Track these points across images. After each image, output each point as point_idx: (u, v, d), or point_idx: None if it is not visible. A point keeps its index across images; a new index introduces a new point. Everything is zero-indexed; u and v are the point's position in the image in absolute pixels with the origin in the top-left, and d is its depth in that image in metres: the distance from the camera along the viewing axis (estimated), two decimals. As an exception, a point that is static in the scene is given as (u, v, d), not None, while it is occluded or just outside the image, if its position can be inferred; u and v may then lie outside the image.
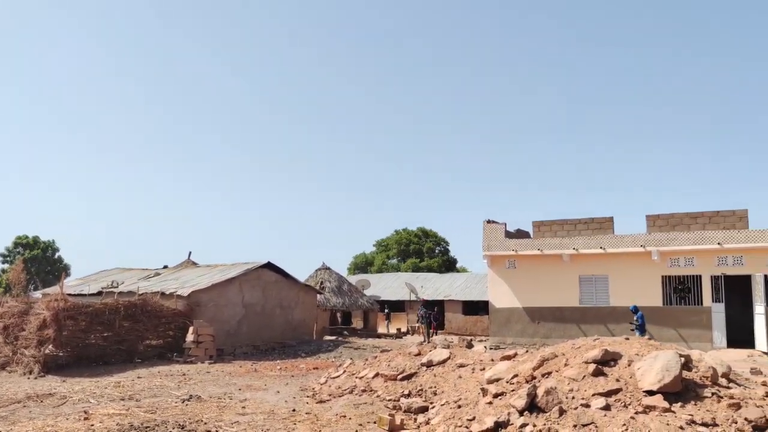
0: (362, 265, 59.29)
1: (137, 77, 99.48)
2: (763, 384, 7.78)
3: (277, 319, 22.35)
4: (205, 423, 8.27)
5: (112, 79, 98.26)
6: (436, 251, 59.36)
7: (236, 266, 22.41)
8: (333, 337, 27.11)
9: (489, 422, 6.69)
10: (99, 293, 21.10)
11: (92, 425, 8.16)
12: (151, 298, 18.63)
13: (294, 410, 9.24)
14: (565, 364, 7.64)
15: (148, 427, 7.99)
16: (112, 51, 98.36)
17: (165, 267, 26.85)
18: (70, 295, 19.07)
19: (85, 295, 21.11)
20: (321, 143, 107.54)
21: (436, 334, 28.57)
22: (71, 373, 14.61)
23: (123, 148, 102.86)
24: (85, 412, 9.04)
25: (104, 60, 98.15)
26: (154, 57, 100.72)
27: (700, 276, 20.63)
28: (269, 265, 22.44)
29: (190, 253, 28.82)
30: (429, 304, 29.24)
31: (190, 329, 17.70)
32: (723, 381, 7.00)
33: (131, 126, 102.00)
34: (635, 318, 18.72)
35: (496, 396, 7.44)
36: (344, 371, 12.10)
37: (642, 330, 18.32)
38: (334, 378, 11.81)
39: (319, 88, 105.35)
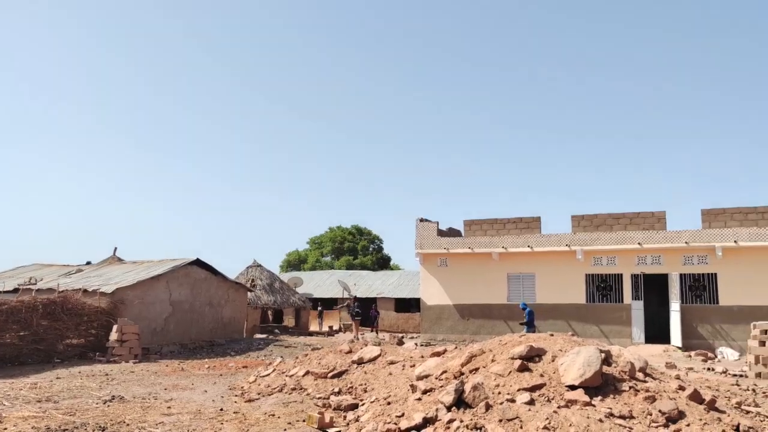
0: (295, 262, 58.80)
1: (60, 69, 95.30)
2: (677, 377, 8.20)
3: (206, 317, 21.88)
4: (128, 424, 7.99)
5: (28, 68, 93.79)
6: (370, 249, 59.55)
7: (164, 263, 21.80)
8: (264, 336, 26.79)
9: (417, 418, 6.75)
10: (15, 290, 20.12)
11: (5, 429, 7.75)
12: (73, 296, 17.87)
13: (221, 409, 9.06)
14: (492, 360, 7.79)
15: (66, 429, 7.65)
16: (35, 36, 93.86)
17: (88, 263, 25.84)
18: (-17, 292, 18.12)
19: (-1, 292, 20.10)
20: (254, 139, 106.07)
21: (376, 332, 28.69)
22: (-17, 374, 13.84)
23: (42, 138, 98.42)
24: (-2, 416, 8.58)
25: (27, 46, 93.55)
26: (66, 54, 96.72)
27: (622, 274, 21.54)
28: (198, 262, 21.94)
29: (115, 249, 27.86)
30: (360, 302, 29.31)
31: (114, 327, 17.09)
32: (640, 375, 7.30)
33: (50, 118, 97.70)
34: (525, 314, 19.35)
35: (425, 392, 7.52)
36: (274, 369, 11.97)
37: (529, 326, 18.91)
38: (263, 376, 11.66)
39: (254, 83, 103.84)
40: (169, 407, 9.33)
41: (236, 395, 10.59)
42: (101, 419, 8.29)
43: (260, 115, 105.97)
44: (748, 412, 7.84)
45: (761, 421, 7.39)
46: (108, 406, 9.51)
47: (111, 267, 23.76)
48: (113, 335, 16.96)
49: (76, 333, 17.43)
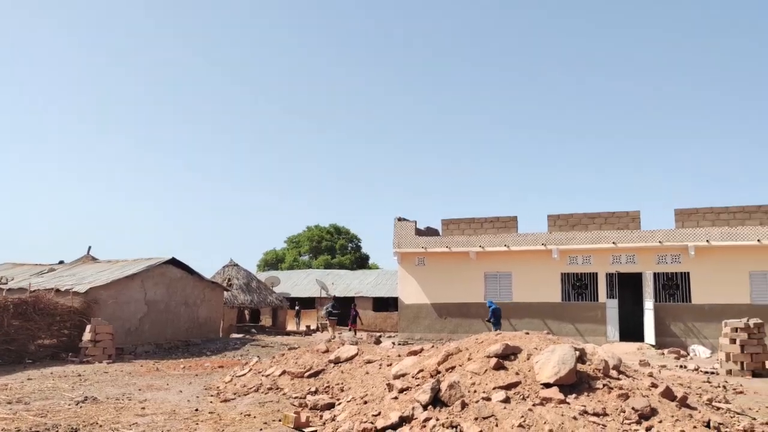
0: (273, 261, 58.45)
1: (38, 70, 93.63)
2: (650, 375, 8.30)
3: (181, 317, 21.67)
4: (101, 425, 7.88)
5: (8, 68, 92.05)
6: (349, 248, 59.43)
7: (138, 262, 21.54)
8: (240, 335, 26.59)
9: (394, 417, 6.75)
10: (-15, 290, 19.74)
11: (-27, 431, 7.60)
12: (45, 295, 17.57)
13: (197, 410, 8.98)
14: (469, 359, 7.83)
15: (37, 431, 7.53)
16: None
17: (61, 262, 25.47)
18: (-48, 292, 17.75)
19: (-31, 292, 19.68)
20: (234, 138, 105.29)
21: (354, 331, 28.59)
22: (-48, 375, 13.55)
23: (16, 137, 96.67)
24: (-34, 418, 8.41)
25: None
26: (42, 52, 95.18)
27: (597, 273, 21.77)
28: (174, 261, 21.71)
29: (89, 247, 27.47)
30: (338, 302, 29.25)
31: (87, 327, 16.83)
32: (614, 373, 7.38)
33: (25, 116, 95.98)
34: (489, 312, 19.61)
35: (401, 391, 7.53)
36: (250, 369, 11.90)
37: (496, 325, 19.13)
38: (239, 376, 11.58)
39: (228, 82, 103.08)
40: (143, 408, 9.22)
41: (212, 395, 10.50)
42: (73, 420, 8.16)
43: (241, 115, 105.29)
44: (719, 408, 7.97)
45: (731, 417, 7.52)
46: (80, 407, 9.37)
47: (84, 266, 23.43)
48: (86, 335, 16.70)
49: (49, 333, 17.15)
